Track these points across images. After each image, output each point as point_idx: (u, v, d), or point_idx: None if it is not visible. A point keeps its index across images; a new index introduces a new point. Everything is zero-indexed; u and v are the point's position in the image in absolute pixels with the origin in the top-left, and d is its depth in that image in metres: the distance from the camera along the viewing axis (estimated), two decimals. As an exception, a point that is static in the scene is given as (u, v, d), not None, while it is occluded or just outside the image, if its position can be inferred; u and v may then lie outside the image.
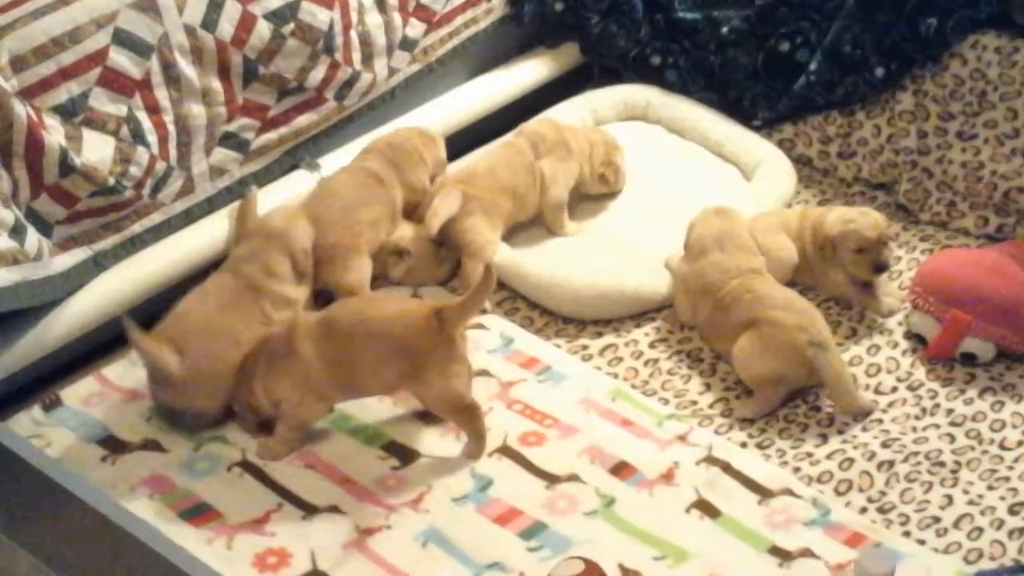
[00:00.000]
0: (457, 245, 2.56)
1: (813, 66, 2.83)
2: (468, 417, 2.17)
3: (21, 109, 2.15)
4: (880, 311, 2.47)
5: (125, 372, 2.35)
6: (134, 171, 2.33)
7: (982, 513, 2.07)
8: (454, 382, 2.14)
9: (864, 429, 2.24)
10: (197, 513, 2.07)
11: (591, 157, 2.72)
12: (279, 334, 2.20)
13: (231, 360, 2.21)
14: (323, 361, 2.14)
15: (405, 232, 2.56)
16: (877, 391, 2.32)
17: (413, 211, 2.61)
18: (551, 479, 2.13)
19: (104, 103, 2.28)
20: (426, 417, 2.24)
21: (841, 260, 2.47)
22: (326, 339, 2.15)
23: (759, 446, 2.22)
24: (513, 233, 2.67)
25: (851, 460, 2.17)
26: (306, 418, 2.19)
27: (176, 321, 2.24)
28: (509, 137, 2.76)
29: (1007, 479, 2.13)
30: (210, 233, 2.51)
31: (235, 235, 2.50)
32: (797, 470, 2.16)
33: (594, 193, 2.76)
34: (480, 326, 2.44)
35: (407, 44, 2.78)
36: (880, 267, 2.44)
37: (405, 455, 2.18)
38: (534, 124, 2.76)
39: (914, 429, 2.24)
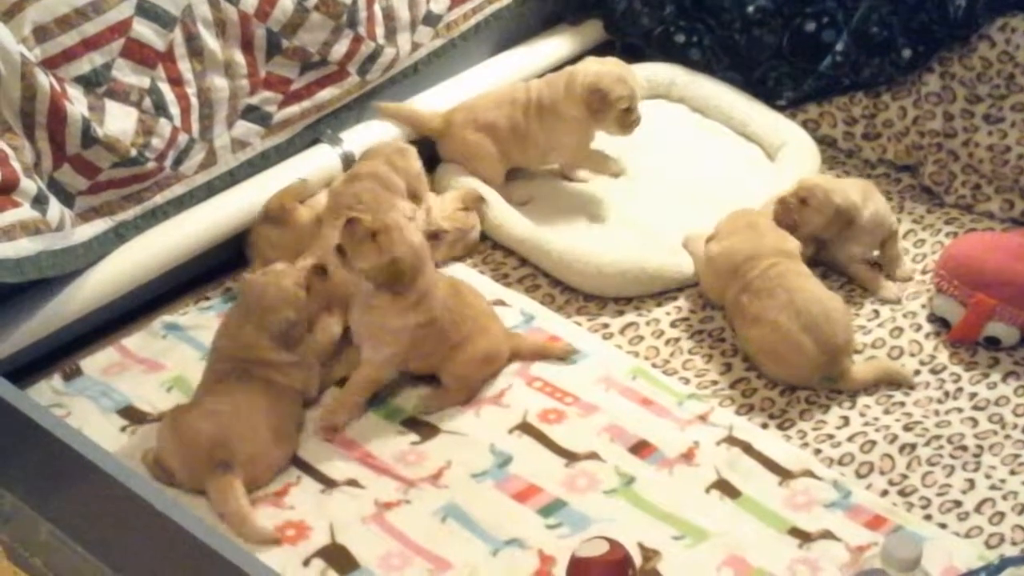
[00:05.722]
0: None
1: (839, 46, 2.81)
2: (469, 390, 2.23)
3: (44, 79, 2.15)
4: (881, 294, 2.47)
5: (145, 343, 2.36)
6: (156, 143, 2.33)
7: (1004, 498, 2.06)
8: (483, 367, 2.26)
9: (886, 412, 2.23)
10: (216, 485, 2.07)
11: None
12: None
13: None
14: (439, 325, 2.18)
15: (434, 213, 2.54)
16: (900, 374, 2.31)
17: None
18: (571, 457, 2.13)
19: (127, 74, 2.27)
20: (446, 393, 2.25)
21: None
22: (448, 309, 2.20)
23: (780, 427, 2.21)
24: (536, 209, 2.67)
25: (873, 443, 2.16)
26: (382, 377, 2.20)
27: None
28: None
29: (1030, 464, 2.12)
30: (231, 206, 2.50)
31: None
32: (818, 452, 2.15)
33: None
34: (501, 303, 2.43)
35: (430, 19, 2.76)
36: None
37: (425, 431, 2.18)
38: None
39: (936, 412, 2.23)
